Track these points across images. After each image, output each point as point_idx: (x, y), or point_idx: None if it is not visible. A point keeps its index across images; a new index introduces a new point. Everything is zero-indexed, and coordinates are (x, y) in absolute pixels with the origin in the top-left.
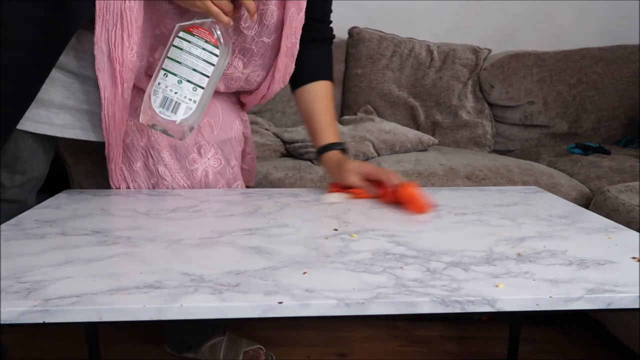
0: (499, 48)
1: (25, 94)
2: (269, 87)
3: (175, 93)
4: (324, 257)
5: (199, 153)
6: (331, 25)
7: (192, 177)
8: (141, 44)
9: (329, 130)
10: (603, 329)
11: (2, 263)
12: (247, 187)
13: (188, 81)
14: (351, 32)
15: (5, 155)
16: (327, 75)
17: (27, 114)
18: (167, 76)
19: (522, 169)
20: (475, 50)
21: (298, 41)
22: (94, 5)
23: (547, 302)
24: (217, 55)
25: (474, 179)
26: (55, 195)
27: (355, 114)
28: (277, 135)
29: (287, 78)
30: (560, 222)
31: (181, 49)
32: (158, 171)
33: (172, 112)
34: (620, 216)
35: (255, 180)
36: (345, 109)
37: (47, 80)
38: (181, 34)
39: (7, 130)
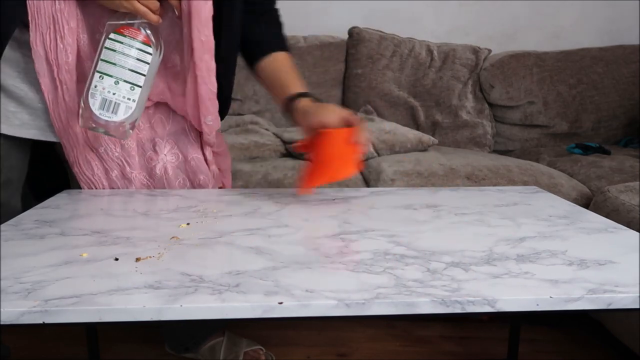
0: (499, 48)
1: None
2: (197, 92)
3: (114, 94)
4: (324, 257)
5: (155, 150)
6: None
7: (152, 174)
8: (86, 50)
9: (297, 83)
10: (603, 329)
11: (2, 263)
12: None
13: (125, 81)
14: (351, 32)
15: None
16: (283, 46)
17: None
18: (102, 78)
19: (522, 169)
20: (475, 50)
21: (211, 34)
22: (27, 10)
23: (547, 302)
24: (150, 54)
25: (474, 179)
26: (55, 195)
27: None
28: (277, 135)
29: (214, 80)
30: (560, 222)
31: (114, 51)
32: (133, 177)
33: (112, 112)
34: (620, 216)
35: (255, 180)
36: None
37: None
38: (112, 35)
39: None
